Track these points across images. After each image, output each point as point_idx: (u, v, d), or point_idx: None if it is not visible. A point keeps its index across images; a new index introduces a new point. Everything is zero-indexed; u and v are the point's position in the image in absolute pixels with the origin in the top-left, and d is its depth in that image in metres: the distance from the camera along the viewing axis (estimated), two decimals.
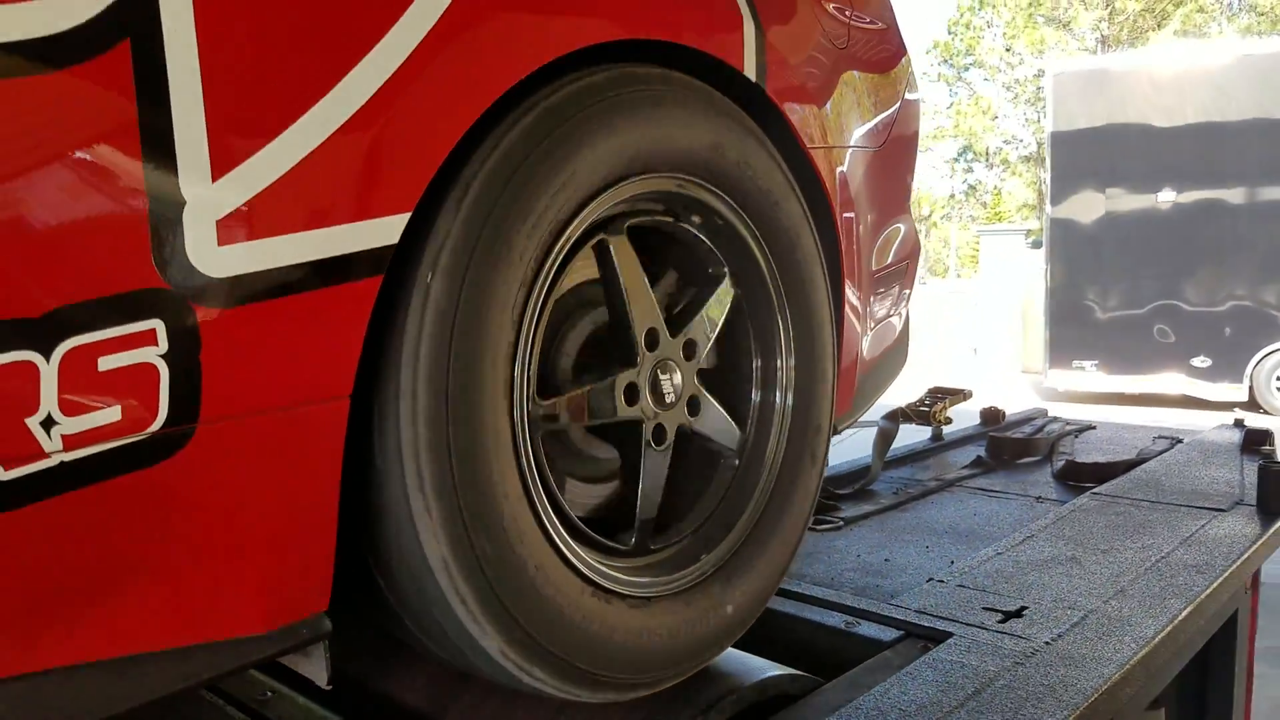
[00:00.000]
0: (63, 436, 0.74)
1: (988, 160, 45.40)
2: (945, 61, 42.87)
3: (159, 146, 0.75)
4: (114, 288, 0.75)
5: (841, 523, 2.12)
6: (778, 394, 1.33)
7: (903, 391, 2.91)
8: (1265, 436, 2.71)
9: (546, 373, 1.13)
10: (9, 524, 0.72)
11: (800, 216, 1.31)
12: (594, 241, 1.13)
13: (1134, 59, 12.02)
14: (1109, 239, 10.85)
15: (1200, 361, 10.52)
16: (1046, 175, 11.51)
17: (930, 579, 1.70)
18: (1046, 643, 1.41)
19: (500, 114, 0.99)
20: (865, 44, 1.60)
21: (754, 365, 1.33)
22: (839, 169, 1.44)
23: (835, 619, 1.54)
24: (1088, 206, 10.94)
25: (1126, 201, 10.70)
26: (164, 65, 0.75)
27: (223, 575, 0.84)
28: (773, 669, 1.29)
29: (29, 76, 0.70)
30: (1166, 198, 10.51)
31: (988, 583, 1.68)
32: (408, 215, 0.91)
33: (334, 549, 0.91)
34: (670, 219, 1.21)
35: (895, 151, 1.70)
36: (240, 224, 0.80)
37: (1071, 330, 11.12)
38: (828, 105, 1.41)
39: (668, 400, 1.18)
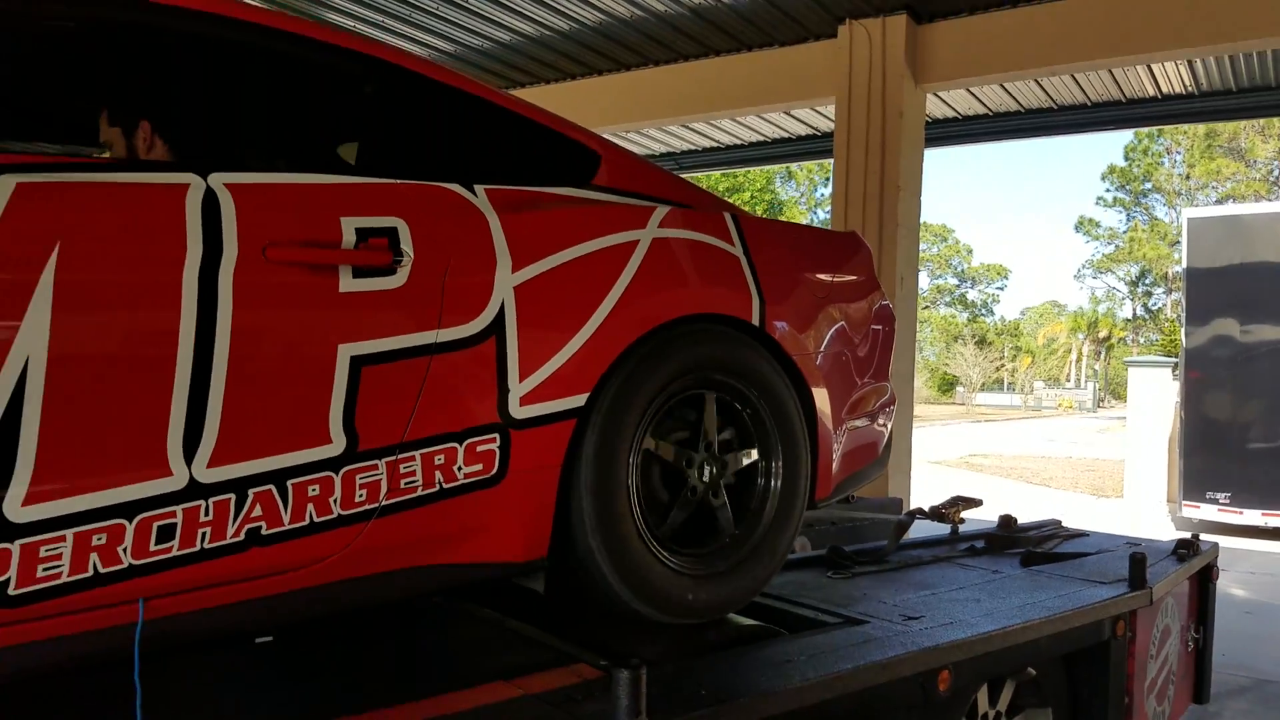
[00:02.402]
0: (464, 474, 2.07)
1: (1167, 285, 44.37)
2: (1121, 187, 42.78)
3: (503, 373, 2.09)
4: (484, 421, 2.08)
5: (851, 574, 3.28)
6: (772, 481, 2.57)
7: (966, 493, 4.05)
8: (1190, 544, 3.70)
9: (648, 461, 2.40)
10: (449, 505, 2.05)
11: (785, 389, 2.56)
12: (677, 400, 2.41)
13: (1266, 207, 12.52)
14: (1243, 373, 11.29)
15: None
16: (1182, 310, 12.08)
17: (880, 601, 2.86)
18: (919, 629, 2.55)
19: (630, 345, 2.29)
20: (843, 290, 2.87)
21: (759, 465, 2.57)
22: (816, 364, 2.69)
23: (812, 613, 2.72)
24: (1222, 340, 11.45)
25: (1261, 335, 11.16)
26: (506, 344, 2.10)
27: (512, 533, 2.15)
28: (758, 624, 2.50)
29: (468, 349, 2.06)
30: None
31: (914, 605, 2.82)
32: (589, 392, 2.22)
33: (551, 527, 2.20)
34: (714, 391, 2.49)
35: (866, 346, 2.94)
36: (530, 398, 2.13)
37: (1206, 462, 11.50)
38: (807, 331, 2.68)
39: (708, 480, 2.44)
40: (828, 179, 43.75)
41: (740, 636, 2.47)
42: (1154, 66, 6.74)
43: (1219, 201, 34.46)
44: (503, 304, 2.12)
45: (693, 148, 9.46)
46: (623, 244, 2.35)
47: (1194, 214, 12.10)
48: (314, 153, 2.11)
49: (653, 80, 7.33)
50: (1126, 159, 41.31)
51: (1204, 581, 3.88)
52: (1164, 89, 7.40)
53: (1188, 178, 36.04)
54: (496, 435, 2.11)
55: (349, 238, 1.95)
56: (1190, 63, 6.62)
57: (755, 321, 2.54)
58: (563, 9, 6.52)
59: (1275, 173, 31.37)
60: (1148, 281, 49.11)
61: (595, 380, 2.24)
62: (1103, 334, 57.39)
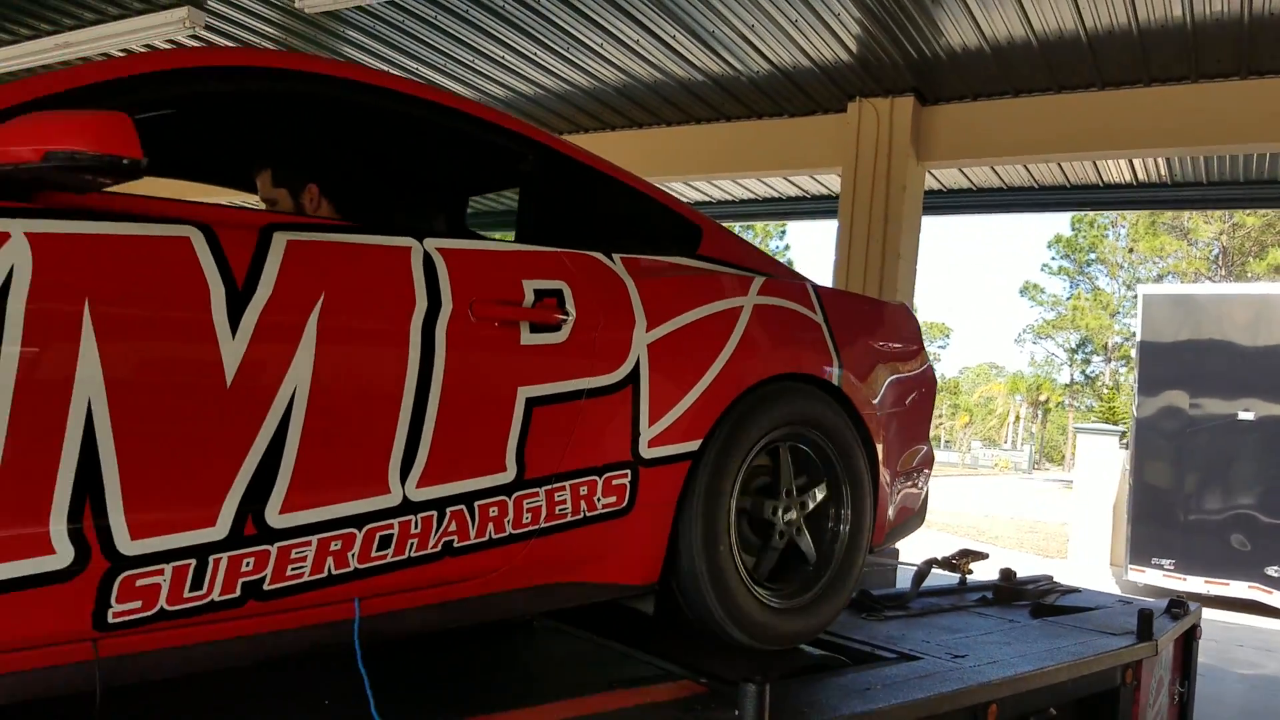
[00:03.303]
0: (602, 504, 2.36)
1: (1106, 354, 45.81)
2: (1067, 256, 44.25)
3: (636, 417, 2.40)
4: (620, 459, 2.38)
5: (885, 617, 3.60)
6: (841, 526, 2.89)
7: (966, 546, 4.40)
8: (1181, 605, 4.09)
9: (741, 503, 2.72)
10: (588, 530, 2.34)
11: (855, 442, 2.90)
12: (767, 449, 2.73)
13: (1217, 289, 13.27)
14: (1191, 446, 11.90)
15: (1274, 571, 11.32)
16: (1134, 382, 12.73)
17: (923, 640, 3.18)
18: (969, 667, 2.88)
19: (736, 398, 2.61)
20: (897, 356, 3.23)
21: (830, 511, 2.89)
22: (878, 419, 3.03)
23: (868, 648, 3.04)
24: (1171, 412, 12.07)
25: (1208, 409, 11.80)
26: (640, 393, 2.41)
27: (634, 559, 2.44)
28: (826, 654, 2.81)
29: (611, 395, 2.36)
30: (1247, 413, 11.56)
31: (954, 645, 3.15)
32: (702, 439, 2.53)
33: (663, 555, 2.50)
34: (798, 442, 2.82)
35: (913, 407, 3.30)
36: (657, 441, 2.43)
37: (1152, 529, 12.06)
38: (872, 390, 3.03)
39: (789, 521, 2.76)
40: (783, 232, 44.61)
41: (811, 664, 2.78)
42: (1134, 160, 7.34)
43: (1160, 276, 35.86)
44: (639, 358, 2.44)
45: (684, 200, 9.83)
46: (730, 309, 2.68)
47: (1149, 290, 12.78)
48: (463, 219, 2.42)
49: (665, 139, 7.73)
50: (1073, 229, 42.80)
51: (1188, 640, 4.26)
52: (1140, 177, 7.99)
53: (1131, 251, 37.49)
54: (628, 471, 2.41)
55: (529, 298, 2.25)
56: (1168, 158, 7.21)
57: (835, 381, 2.88)
58: (587, 68, 6.89)
59: (1215, 251, 32.83)
60: (1087, 349, 50.62)
61: (708, 428, 2.55)
62: (1041, 398, 58.89)
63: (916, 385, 3.36)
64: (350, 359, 1.94)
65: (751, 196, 9.72)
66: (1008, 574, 4.54)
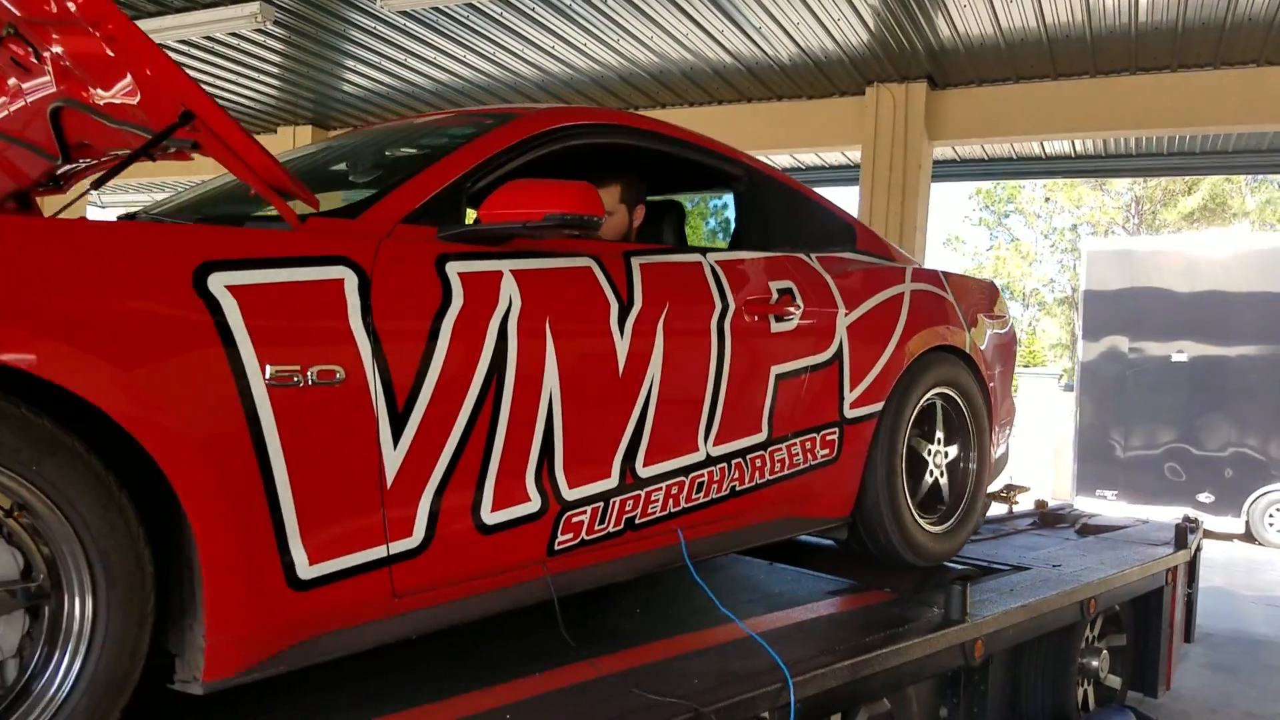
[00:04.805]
0: (820, 455, 3.00)
1: (1024, 301, 47.60)
2: (987, 207, 45.77)
3: (841, 386, 3.03)
4: (831, 420, 3.02)
5: (970, 540, 4.33)
6: (971, 466, 3.58)
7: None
8: (1194, 523, 4.92)
9: (908, 450, 3.37)
10: (811, 476, 2.97)
11: (981, 395, 3.58)
12: (925, 404, 3.39)
13: (1155, 243, 14.42)
14: (1130, 387, 13.04)
15: (1205, 497, 12.56)
16: (1079, 328, 13.80)
17: (1019, 555, 3.91)
18: (1068, 573, 3.60)
19: (907, 366, 3.26)
20: (998, 324, 3.92)
21: (964, 454, 3.57)
22: (992, 376, 3.72)
23: (985, 563, 3.74)
24: (1113, 358, 13.19)
25: (1146, 354, 12.94)
26: (843, 366, 3.04)
27: (837, 498, 3.09)
28: (967, 567, 3.52)
29: (825, 369, 2.99)
30: (1180, 355, 12.72)
31: (1049, 558, 3.88)
32: (883, 401, 3.18)
33: (856, 495, 3.15)
34: (943, 401, 3.48)
35: (1006, 366, 4.00)
36: (855, 404, 3.07)
37: (1096, 464, 13.22)
38: (988, 355, 3.71)
39: (938, 464, 3.43)
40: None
41: (957, 576, 3.47)
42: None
43: (1075, 225, 37.37)
44: (842, 339, 3.06)
45: None
46: (897, 295, 3.32)
47: (1092, 245, 13.83)
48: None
49: (690, 119, 8.21)
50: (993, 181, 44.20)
51: (1195, 550, 5.10)
52: (1111, 149, 8.83)
53: (1048, 200, 39.00)
54: (837, 429, 3.05)
55: (774, 296, 2.86)
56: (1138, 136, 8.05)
57: (967, 350, 3.54)
58: (624, 53, 7.36)
59: (1128, 199, 34.46)
60: (1006, 296, 52.39)
61: (887, 392, 3.19)
62: None
63: (1007, 347, 4.06)
64: (681, 352, 2.53)
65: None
66: (1041, 504, 5.33)
